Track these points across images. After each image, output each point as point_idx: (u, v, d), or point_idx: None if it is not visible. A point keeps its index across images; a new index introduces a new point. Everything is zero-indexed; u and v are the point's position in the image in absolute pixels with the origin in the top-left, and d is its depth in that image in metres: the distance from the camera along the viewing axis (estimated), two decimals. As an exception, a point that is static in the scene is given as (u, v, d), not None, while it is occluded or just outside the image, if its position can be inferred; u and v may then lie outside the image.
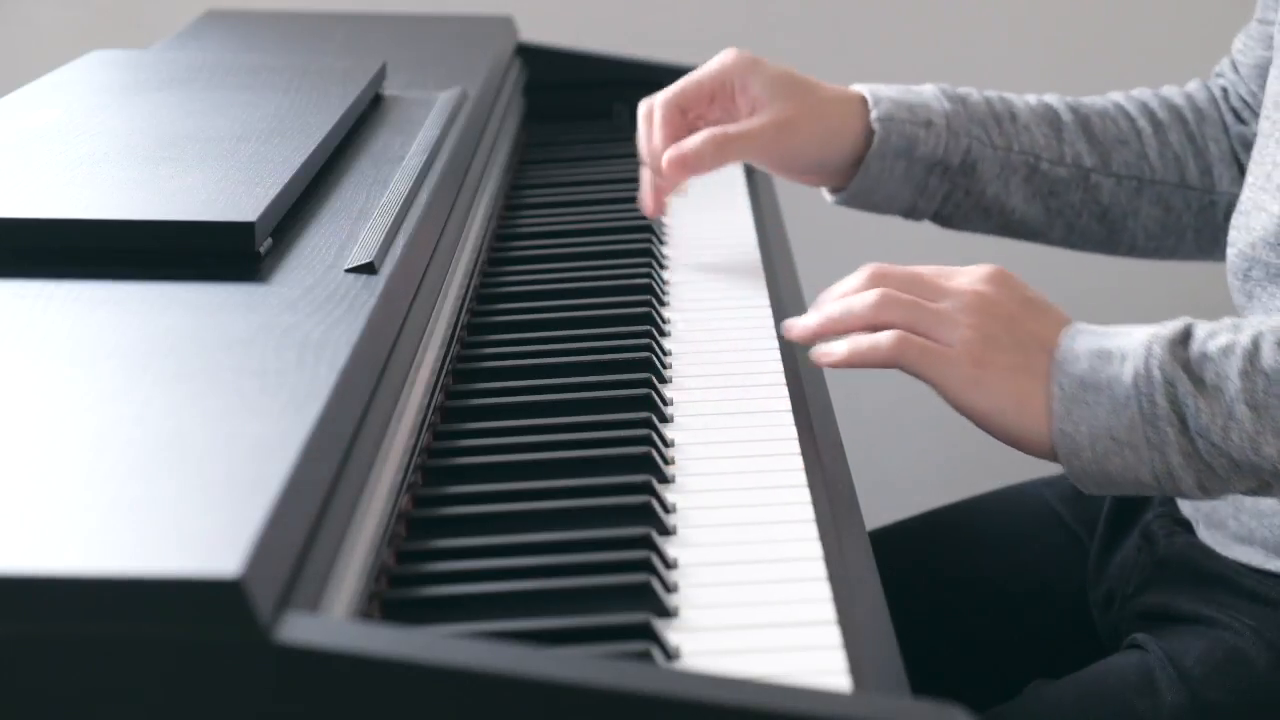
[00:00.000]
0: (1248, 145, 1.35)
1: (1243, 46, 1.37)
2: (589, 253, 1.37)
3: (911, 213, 1.37)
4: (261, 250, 1.03)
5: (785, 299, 1.32)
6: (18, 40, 2.28)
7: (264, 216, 1.04)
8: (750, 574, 0.91)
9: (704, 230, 1.45)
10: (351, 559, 0.82)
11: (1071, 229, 1.37)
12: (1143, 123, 1.37)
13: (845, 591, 0.89)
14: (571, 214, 1.46)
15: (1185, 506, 1.26)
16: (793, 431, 1.07)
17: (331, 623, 0.74)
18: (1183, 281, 2.04)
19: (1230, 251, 1.22)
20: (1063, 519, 1.35)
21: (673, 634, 0.84)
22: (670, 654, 0.82)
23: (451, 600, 0.86)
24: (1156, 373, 1.00)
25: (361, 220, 1.11)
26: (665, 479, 1.00)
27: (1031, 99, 1.38)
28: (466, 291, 1.24)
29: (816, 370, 1.19)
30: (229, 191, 1.08)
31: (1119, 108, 1.38)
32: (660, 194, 1.36)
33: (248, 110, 1.28)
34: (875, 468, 2.11)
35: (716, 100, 1.35)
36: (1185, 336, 1.02)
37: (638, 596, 0.86)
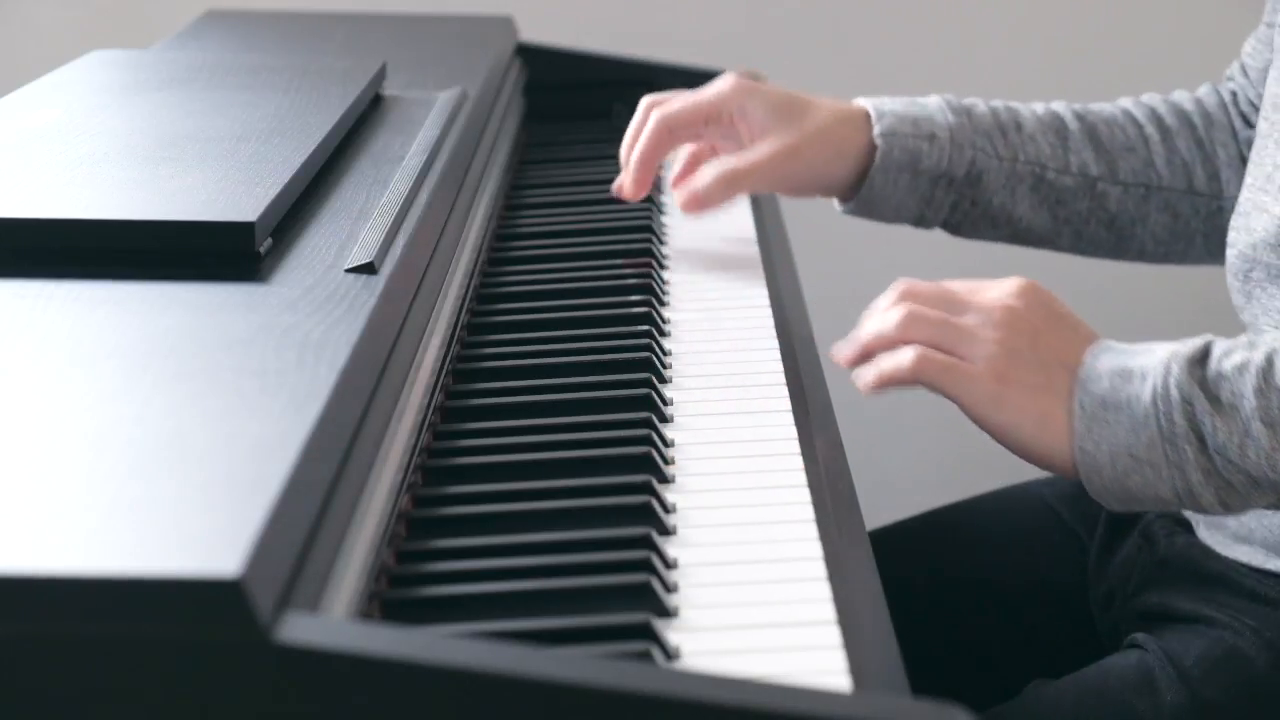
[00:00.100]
0: None
1: (1252, 50, 1.37)
2: (589, 253, 1.37)
3: (920, 222, 1.38)
4: (261, 250, 1.03)
5: (785, 299, 1.32)
6: (18, 40, 2.28)
7: (264, 216, 1.04)
8: (750, 574, 0.91)
9: (704, 230, 1.44)
10: (351, 559, 0.82)
11: (1080, 236, 1.38)
12: (1150, 129, 1.37)
13: (845, 591, 0.89)
14: (571, 214, 1.46)
15: (1185, 506, 1.26)
16: (793, 431, 1.07)
17: (331, 623, 0.74)
18: (1184, 281, 2.04)
19: (1230, 252, 1.22)
20: (1063, 519, 1.35)
21: (673, 634, 0.84)
22: (670, 654, 0.82)
23: (451, 600, 0.86)
24: (1174, 391, 1.01)
25: (361, 220, 1.11)
26: (665, 479, 1.00)
27: (1038, 108, 1.38)
28: (466, 291, 1.24)
29: (816, 370, 1.19)
30: (229, 191, 1.08)
31: (1126, 114, 1.38)
32: (627, 195, 1.38)
33: (248, 110, 1.28)
34: (875, 468, 2.11)
35: (711, 124, 1.37)
36: (1204, 355, 1.02)
37: (638, 596, 0.86)
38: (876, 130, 1.33)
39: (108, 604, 0.68)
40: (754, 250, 1.41)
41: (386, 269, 1.03)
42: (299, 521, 0.75)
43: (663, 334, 1.22)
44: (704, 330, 1.23)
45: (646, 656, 0.81)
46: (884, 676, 0.83)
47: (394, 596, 0.87)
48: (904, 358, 1.05)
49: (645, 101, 1.39)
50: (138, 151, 1.17)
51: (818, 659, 0.82)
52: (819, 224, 1.90)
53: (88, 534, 0.71)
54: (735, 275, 1.34)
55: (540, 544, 0.92)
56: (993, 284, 1.08)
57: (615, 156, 1.43)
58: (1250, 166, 1.24)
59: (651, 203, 1.47)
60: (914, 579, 1.33)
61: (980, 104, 1.36)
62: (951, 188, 1.34)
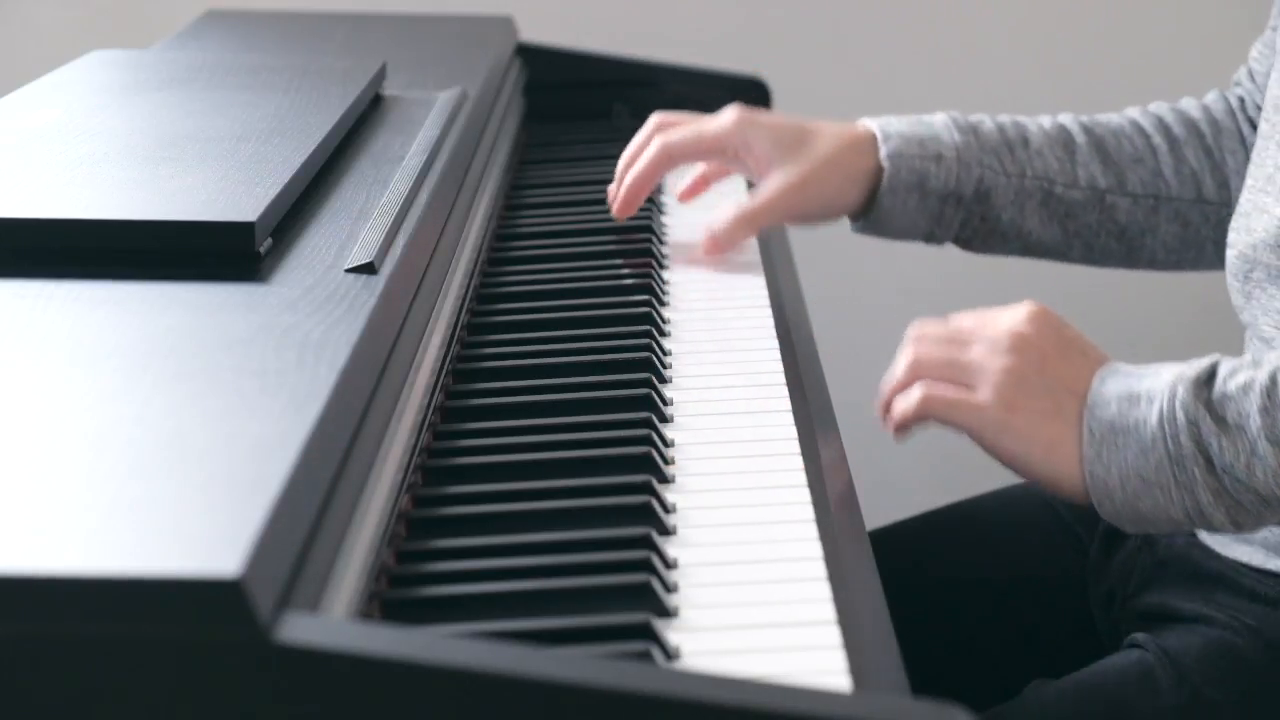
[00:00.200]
0: None
1: (1258, 55, 1.37)
2: (589, 253, 1.37)
3: (930, 239, 1.39)
4: (261, 250, 1.03)
5: (785, 299, 1.32)
6: (18, 40, 2.28)
7: (264, 216, 1.04)
8: (750, 574, 0.91)
9: (704, 230, 1.44)
10: (351, 559, 0.82)
11: (1090, 248, 1.39)
12: (1158, 140, 1.38)
13: (845, 591, 0.88)
14: (571, 214, 1.46)
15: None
16: (793, 431, 1.07)
17: (331, 623, 0.74)
18: (1184, 282, 2.04)
19: (1230, 253, 1.22)
20: (1063, 519, 1.35)
21: (673, 634, 0.84)
22: (670, 654, 0.82)
23: (451, 600, 0.86)
24: (1180, 414, 1.02)
25: (361, 220, 1.11)
26: (665, 479, 1.00)
27: (1045, 121, 1.38)
28: (466, 291, 1.24)
29: (816, 370, 1.20)
30: (229, 191, 1.08)
31: (1134, 125, 1.39)
32: (615, 213, 1.39)
33: (248, 110, 1.28)
34: (875, 468, 2.10)
35: (714, 157, 1.39)
36: (1209, 376, 1.03)
37: (638, 596, 0.86)
38: (883, 153, 1.34)
39: (108, 604, 0.67)
40: (754, 250, 1.41)
41: (386, 269, 1.03)
42: (299, 521, 0.75)
43: (663, 334, 1.22)
44: (704, 330, 1.23)
45: (646, 656, 0.81)
46: (884, 676, 0.83)
47: (394, 596, 0.87)
48: (911, 398, 1.07)
49: (653, 120, 1.40)
50: (138, 151, 1.17)
51: (818, 659, 0.82)
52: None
53: (88, 534, 0.71)
54: (735, 275, 1.34)
55: (540, 544, 0.92)
56: (1003, 311, 1.09)
57: (615, 156, 1.43)
58: (1251, 168, 1.24)
59: (652, 203, 1.47)
60: (914, 579, 1.33)
61: (986, 120, 1.37)
62: (960, 206, 1.35)
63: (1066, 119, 1.39)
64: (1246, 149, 1.37)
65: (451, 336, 1.15)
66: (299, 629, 0.69)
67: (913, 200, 1.34)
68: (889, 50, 2.32)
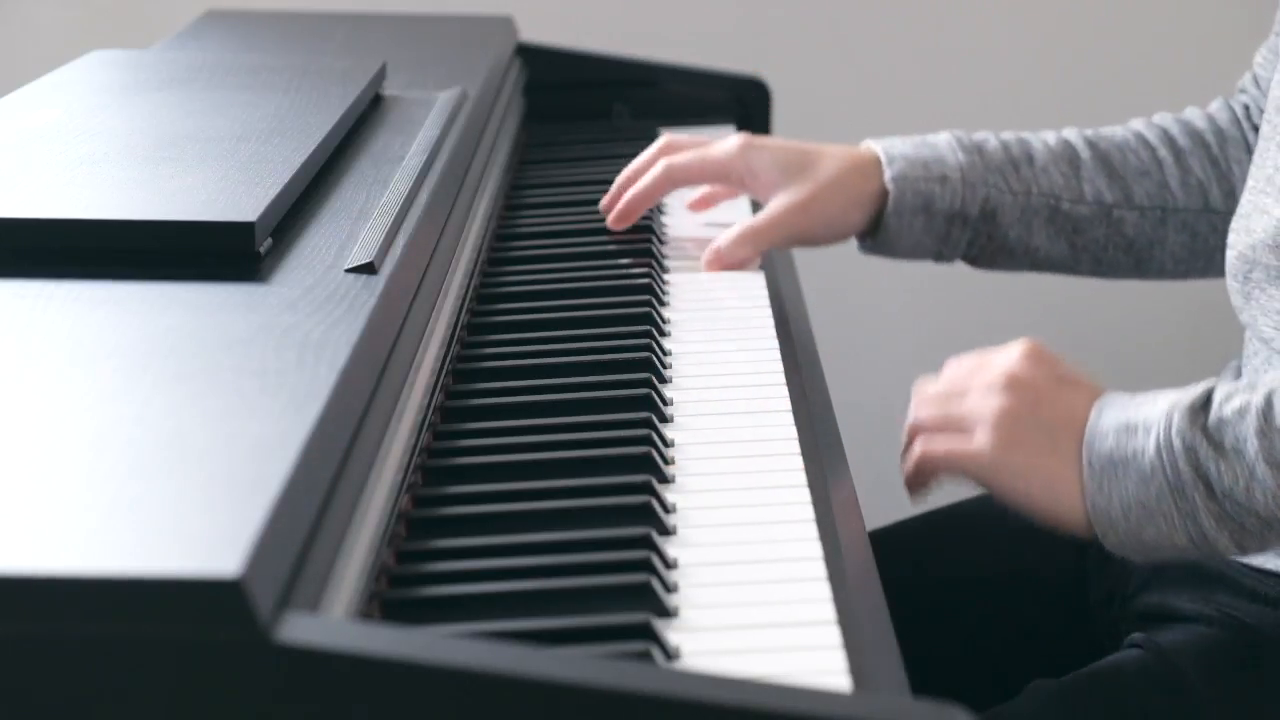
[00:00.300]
0: None
1: (1263, 61, 1.37)
2: (589, 253, 1.37)
3: (938, 258, 1.39)
4: (261, 250, 1.03)
5: (785, 299, 1.32)
6: (18, 40, 2.28)
7: (264, 216, 1.04)
8: (750, 574, 0.91)
9: (704, 230, 1.45)
10: (351, 559, 0.82)
11: (1099, 262, 1.39)
12: (1163, 152, 1.38)
13: (845, 591, 0.88)
14: (571, 214, 1.46)
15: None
16: (793, 431, 1.07)
17: (331, 623, 0.74)
18: (1184, 283, 2.04)
19: (1230, 254, 1.22)
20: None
21: (673, 634, 0.84)
22: (670, 654, 0.82)
23: (451, 600, 0.86)
24: (1176, 441, 1.02)
25: (361, 220, 1.11)
26: (665, 479, 1.00)
27: (1049, 137, 1.38)
28: (466, 291, 1.24)
29: (816, 370, 1.20)
30: (229, 191, 1.08)
31: (1139, 138, 1.39)
32: (610, 224, 1.40)
33: (248, 110, 1.28)
34: (875, 468, 2.10)
35: (718, 182, 1.41)
36: (1205, 402, 1.03)
37: (638, 596, 0.86)
38: (887, 175, 1.34)
39: (108, 604, 0.67)
40: (754, 250, 1.41)
41: (386, 269, 1.03)
42: (299, 521, 0.75)
43: (663, 334, 1.22)
44: (704, 330, 1.23)
45: (646, 656, 0.81)
46: (884, 676, 0.83)
47: (394, 596, 0.87)
48: (912, 458, 1.09)
49: (661, 142, 1.41)
50: (138, 151, 1.17)
51: (818, 659, 0.82)
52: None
53: (88, 534, 0.71)
54: (735, 275, 1.34)
55: (540, 544, 0.92)
56: (996, 354, 1.09)
57: (615, 156, 1.43)
58: (1251, 169, 1.24)
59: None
60: (914, 579, 1.33)
61: (991, 138, 1.37)
62: (967, 225, 1.35)
63: (1071, 134, 1.39)
64: (1252, 156, 1.37)
65: (451, 336, 1.15)
66: (299, 629, 0.69)
67: (919, 222, 1.35)
68: (889, 50, 2.32)
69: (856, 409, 1.48)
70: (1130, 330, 2.39)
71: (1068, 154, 1.37)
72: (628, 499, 0.96)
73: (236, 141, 1.19)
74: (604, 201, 1.41)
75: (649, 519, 0.94)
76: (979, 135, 1.38)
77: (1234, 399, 1.03)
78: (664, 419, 1.08)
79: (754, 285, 1.32)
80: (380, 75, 1.45)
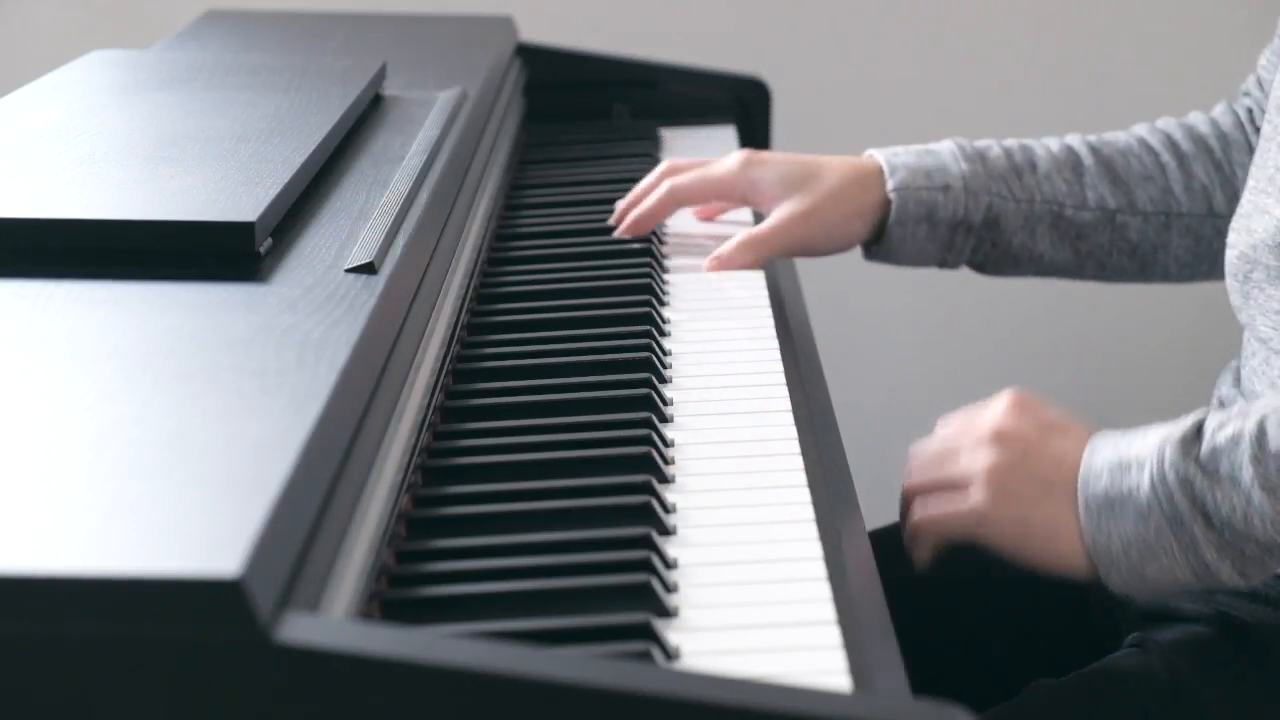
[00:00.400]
0: None
1: (1267, 63, 1.37)
2: (589, 253, 1.37)
3: (943, 265, 1.40)
4: (261, 250, 1.03)
5: (785, 299, 1.32)
6: (18, 40, 2.28)
7: (264, 216, 1.04)
8: (750, 574, 0.91)
9: (704, 230, 1.45)
10: (351, 559, 0.82)
11: (1103, 267, 1.39)
12: (1167, 157, 1.38)
13: (845, 591, 0.88)
14: (571, 214, 1.46)
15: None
16: (793, 431, 1.07)
17: (331, 623, 0.74)
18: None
19: (1231, 254, 1.22)
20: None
21: (673, 634, 0.84)
22: (670, 654, 0.82)
23: (451, 600, 0.86)
24: (1170, 475, 1.02)
25: (361, 220, 1.11)
26: (665, 479, 1.00)
27: (1052, 144, 1.38)
28: (466, 291, 1.24)
29: (816, 370, 1.20)
30: (229, 191, 1.08)
31: (1142, 143, 1.39)
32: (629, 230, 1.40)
33: (248, 110, 1.28)
34: (875, 468, 2.10)
35: (722, 199, 1.42)
36: (1196, 433, 1.04)
37: (638, 596, 0.86)
38: (890, 185, 1.35)
39: (108, 604, 0.67)
40: (754, 250, 1.41)
41: (386, 269, 1.03)
42: (299, 521, 0.75)
43: (663, 334, 1.22)
44: (704, 330, 1.23)
45: (646, 656, 0.81)
46: (884, 676, 0.83)
47: (394, 596, 0.87)
48: (910, 530, 1.10)
49: (663, 165, 1.42)
50: (138, 151, 1.17)
51: (818, 659, 0.82)
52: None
53: (88, 534, 0.71)
54: (735, 275, 1.34)
55: (540, 544, 0.92)
56: (983, 409, 1.10)
57: (615, 156, 1.43)
58: (1252, 169, 1.24)
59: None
60: (914, 579, 1.33)
61: (994, 146, 1.37)
62: (970, 233, 1.36)
63: (1074, 140, 1.39)
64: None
65: (451, 336, 1.15)
66: (299, 629, 0.69)
67: (922, 230, 1.35)
68: (889, 50, 2.32)
69: (856, 409, 1.48)
70: (1130, 330, 2.39)
71: (1071, 160, 1.38)
72: (628, 499, 0.96)
73: (236, 141, 1.19)
74: (611, 220, 1.41)
75: (649, 519, 0.94)
76: (981, 143, 1.38)
77: (1226, 427, 1.03)
78: (664, 419, 1.08)
79: (754, 285, 1.32)
80: (380, 75, 1.45)
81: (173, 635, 0.68)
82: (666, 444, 1.04)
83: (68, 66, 1.44)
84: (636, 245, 1.37)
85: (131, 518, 0.73)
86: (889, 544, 1.33)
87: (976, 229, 1.36)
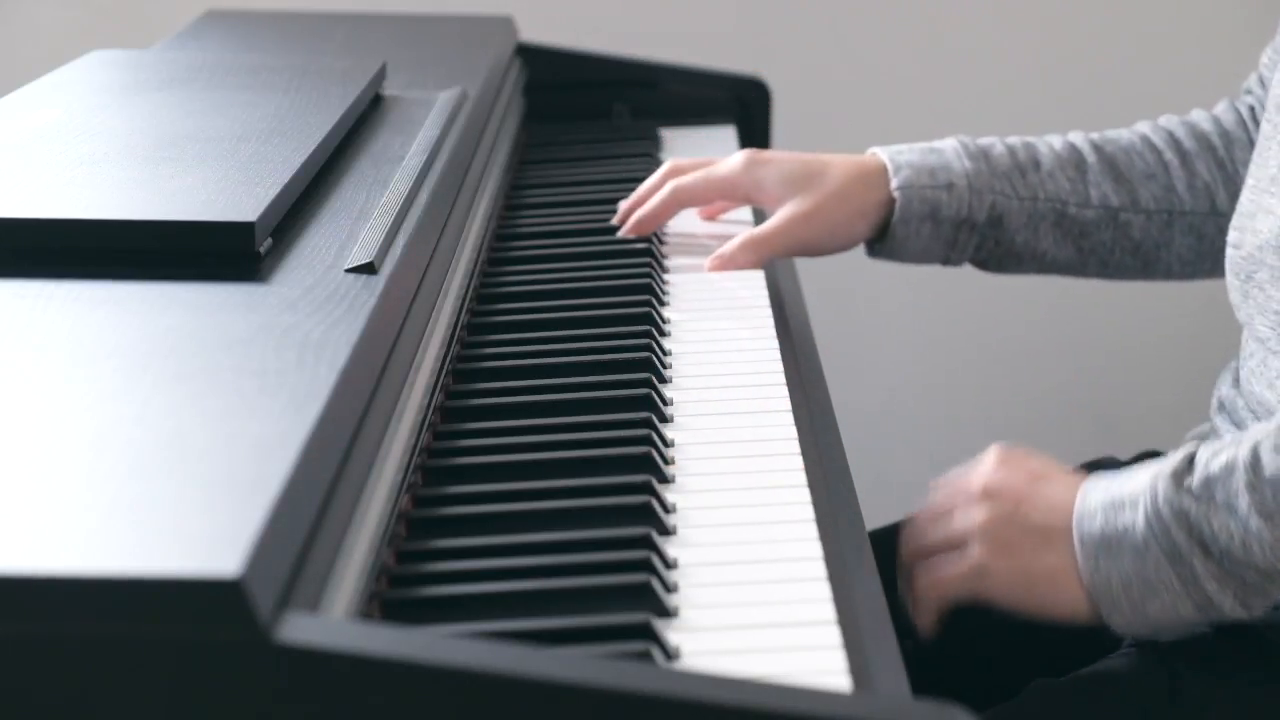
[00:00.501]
0: None
1: (1269, 61, 1.37)
2: (589, 253, 1.37)
3: (946, 263, 1.40)
4: (261, 250, 1.03)
5: (785, 299, 1.32)
6: (18, 40, 2.28)
7: (264, 216, 1.04)
8: (750, 574, 0.91)
9: (704, 230, 1.45)
10: (351, 559, 0.82)
11: (1106, 264, 1.40)
12: (1169, 155, 1.38)
13: (845, 591, 0.89)
14: (571, 214, 1.46)
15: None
16: (793, 431, 1.07)
17: (331, 623, 0.74)
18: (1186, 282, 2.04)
19: (1234, 254, 1.22)
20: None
21: (673, 634, 0.84)
22: (670, 654, 0.82)
23: (451, 600, 0.86)
24: (1165, 509, 1.03)
25: (361, 220, 1.11)
26: (665, 479, 1.00)
27: (1056, 141, 1.38)
28: (466, 291, 1.24)
29: (816, 370, 1.20)
30: (229, 191, 1.08)
31: (1145, 141, 1.39)
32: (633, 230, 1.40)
33: (248, 110, 1.28)
34: (875, 468, 2.10)
35: (725, 200, 1.42)
36: (1187, 465, 1.04)
37: (638, 596, 0.86)
38: (894, 184, 1.35)
39: (108, 604, 0.68)
40: (754, 250, 1.41)
41: (386, 269, 1.03)
42: (299, 521, 0.75)
43: (663, 334, 1.22)
44: (704, 330, 1.23)
45: (646, 656, 0.81)
46: (884, 676, 0.83)
47: (394, 596, 0.87)
48: (914, 594, 1.10)
49: (668, 165, 1.42)
50: (138, 151, 1.17)
51: (818, 659, 0.82)
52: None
53: (88, 534, 0.71)
54: (735, 276, 1.34)
55: (540, 544, 0.92)
56: (972, 468, 1.11)
57: (615, 156, 1.43)
58: (1252, 168, 1.24)
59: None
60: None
61: (997, 144, 1.37)
62: (974, 231, 1.36)
63: (1077, 138, 1.39)
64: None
65: (451, 336, 1.15)
66: (299, 629, 0.69)
67: (926, 229, 1.35)
68: (889, 50, 2.32)
69: (856, 409, 1.48)
70: (1131, 330, 2.39)
71: (1074, 158, 1.38)
72: (628, 499, 0.96)
73: (236, 141, 1.19)
74: (614, 221, 1.41)
75: (649, 519, 0.94)
76: (985, 141, 1.38)
77: (1220, 455, 1.03)
78: (664, 419, 1.08)
79: (754, 285, 1.32)
80: (380, 75, 1.45)
81: (173, 635, 0.68)
82: (666, 444, 1.04)
83: (68, 66, 1.44)
84: (636, 245, 1.37)
85: (131, 518, 0.73)
86: (889, 544, 1.33)
87: (980, 227, 1.36)
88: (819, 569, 0.90)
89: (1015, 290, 2.16)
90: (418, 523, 0.94)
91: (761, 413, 1.10)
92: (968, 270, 1.44)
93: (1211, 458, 1.04)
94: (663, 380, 1.14)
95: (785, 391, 1.13)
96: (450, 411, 1.08)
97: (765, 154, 1.38)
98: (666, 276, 1.34)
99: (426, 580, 0.89)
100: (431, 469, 1.01)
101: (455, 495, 0.98)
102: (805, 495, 0.99)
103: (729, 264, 1.35)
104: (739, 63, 1.88)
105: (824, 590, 0.88)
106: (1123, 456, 1.42)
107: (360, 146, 1.30)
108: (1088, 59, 2.32)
